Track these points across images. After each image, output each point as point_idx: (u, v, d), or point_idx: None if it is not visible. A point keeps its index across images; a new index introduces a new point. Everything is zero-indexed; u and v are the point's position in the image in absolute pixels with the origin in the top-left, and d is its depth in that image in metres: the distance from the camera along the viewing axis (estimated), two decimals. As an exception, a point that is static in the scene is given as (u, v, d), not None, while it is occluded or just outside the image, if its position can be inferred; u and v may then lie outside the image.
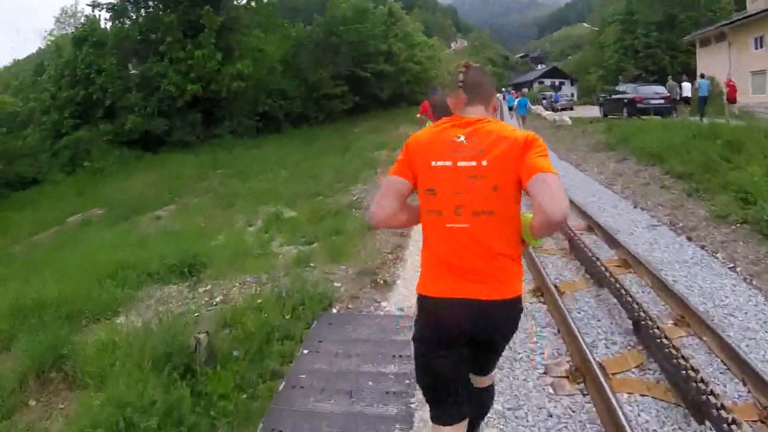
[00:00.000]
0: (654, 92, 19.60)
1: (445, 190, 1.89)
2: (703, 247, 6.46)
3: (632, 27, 44.64)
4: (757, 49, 22.27)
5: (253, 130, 29.15)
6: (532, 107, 33.76)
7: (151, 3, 28.54)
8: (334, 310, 5.04)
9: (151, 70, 26.57)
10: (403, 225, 2.12)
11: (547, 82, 78.10)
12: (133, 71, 28.32)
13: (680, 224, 7.35)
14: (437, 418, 2.09)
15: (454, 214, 1.87)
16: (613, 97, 21.37)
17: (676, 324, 4.56)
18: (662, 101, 19.08)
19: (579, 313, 4.76)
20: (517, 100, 25.31)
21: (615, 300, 4.84)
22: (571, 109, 38.20)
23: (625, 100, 19.67)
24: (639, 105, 18.91)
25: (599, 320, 4.64)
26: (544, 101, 46.84)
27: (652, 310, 4.69)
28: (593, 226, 7.28)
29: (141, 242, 9.76)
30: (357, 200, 10.33)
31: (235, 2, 29.21)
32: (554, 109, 36.51)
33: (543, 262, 5.95)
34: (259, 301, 4.84)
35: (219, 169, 21.13)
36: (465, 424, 2.11)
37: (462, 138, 1.90)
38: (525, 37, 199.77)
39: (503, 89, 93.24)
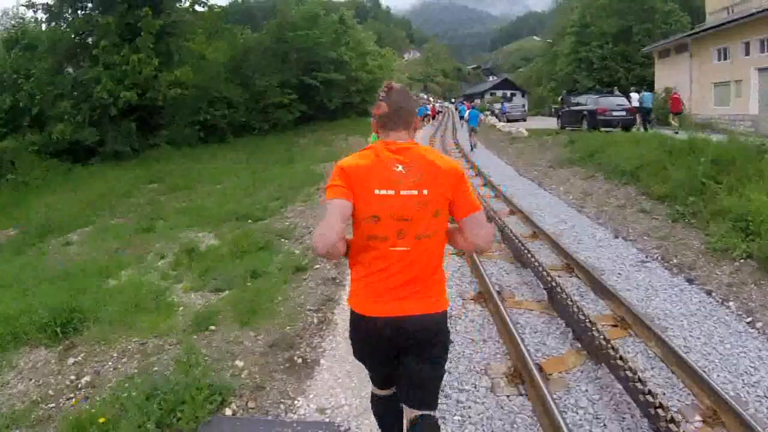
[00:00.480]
0: (616, 104, 18.71)
1: (389, 217, 1.95)
2: (709, 293, 5.24)
3: (586, 39, 44.67)
4: (720, 60, 21.83)
5: (193, 139, 27.08)
6: (486, 118, 33.44)
7: (89, 4, 26.09)
8: (228, 411, 3.45)
9: (84, 76, 24.21)
10: (339, 255, 2.01)
11: (499, 93, 79.12)
12: (68, 76, 25.77)
13: (674, 260, 6.12)
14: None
15: (397, 238, 1.96)
16: (572, 108, 20.48)
17: (705, 422, 3.24)
18: (625, 113, 18.24)
19: (576, 412, 3.33)
20: (468, 111, 25.05)
21: (620, 385, 3.49)
22: (524, 120, 37.71)
23: (585, 112, 18.72)
24: (601, 117, 17.99)
25: (604, 425, 3.22)
26: (496, 112, 46.67)
27: (672, 398, 3.46)
28: (572, 265, 5.94)
29: (29, 279, 7.91)
30: (290, 227, 8.75)
31: (177, 5, 26.93)
32: (508, 120, 35.95)
33: (519, 322, 4.54)
34: (101, 420, 3.19)
35: (152, 183, 19.11)
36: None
37: (401, 168, 1.98)
38: (477, 49, 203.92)
39: (453, 100, 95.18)
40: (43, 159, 23.19)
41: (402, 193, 1.94)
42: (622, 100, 19.18)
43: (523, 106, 39.99)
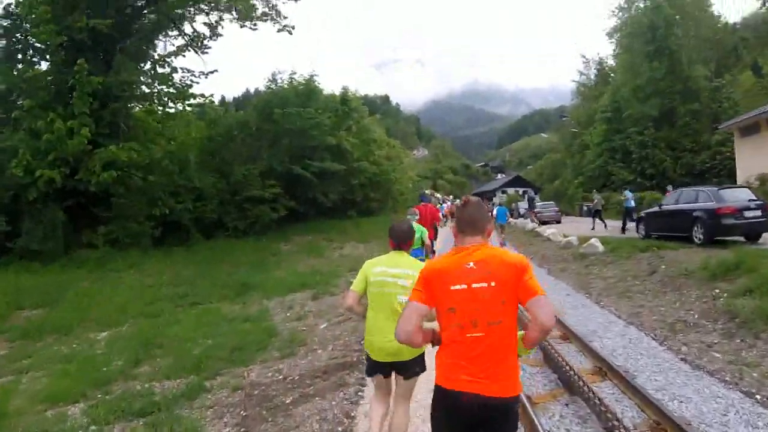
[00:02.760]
0: (748, 199, 12.19)
1: (464, 308, 2.32)
2: None
3: (621, 126, 39.46)
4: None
5: (146, 239, 20.75)
6: (512, 220, 27.59)
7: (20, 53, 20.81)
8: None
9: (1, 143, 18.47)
10: (418, 343, 2.45)
11: (511, 190, 77.66)
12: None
13: None
14: None
15: (471, 326, 2.31)
16: (666, 208, 14.00)
17: None
18: (761, 213, 11.78)
19: None
20: (495, 209, 23.94)
21: None
22: (558, 221, 31.48)
23: (698, 214, 12.19)
24: (727, 221, 11.56)
25: None
26: (522, 212, 40.89)
27: None
28: None
29: None
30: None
31: (137, 65, 21.35)
32: (541, 222, 29.75)
33: None
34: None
35: (35, 308, 12.45)
36: None
37: (472, 264, 2.35)
38: (484, 147, 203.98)
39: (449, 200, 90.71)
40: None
41: (473, 286, 2.32)
42: (749, 193, 12.68)
43: (555, 205, 33.86)
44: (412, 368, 3.48)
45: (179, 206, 22.17)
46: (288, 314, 9.59)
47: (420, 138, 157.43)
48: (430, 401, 2.42)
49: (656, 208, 14.68)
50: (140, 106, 19.17)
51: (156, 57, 22.22)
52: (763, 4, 38.30)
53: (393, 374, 3.59)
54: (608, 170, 39.70)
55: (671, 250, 11.38)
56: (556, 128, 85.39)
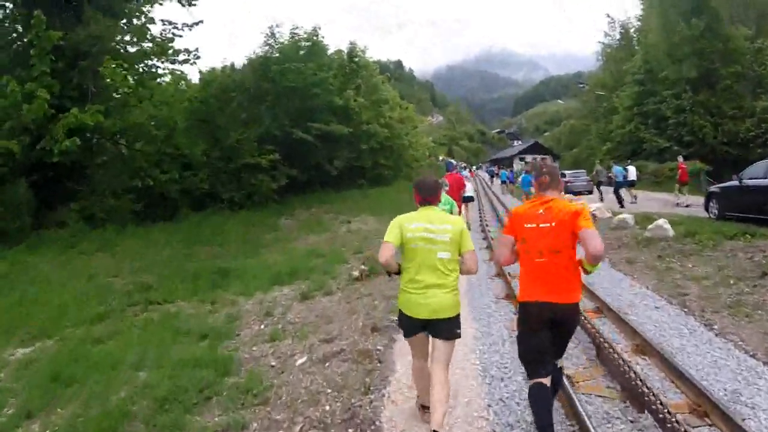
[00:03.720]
0: None
1: (532, 241, 3.29)
2: None
3: (653, 88, 35.96)
4: None
5: (125, 215, 18.28)
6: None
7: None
8: None
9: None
10: (506, 263, 3.55)
11: (529, 158, 74.05)
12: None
13: None
14: (534, 374, 3.31)
15: (538, 254, 3.25)
16: (753, 183, 10.90)
17: None
18: None
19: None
20: (521, 177, 23.75)
21: None
22: (590, 192, 28.52)
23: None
24: None
25: None
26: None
27: None
28: None
29: None
30: None
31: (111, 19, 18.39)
32: (570, 193, 26.75)
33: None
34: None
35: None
36: (549, 379, 3.31)
37: (542, 210, 3.31)
38: (500, 114, 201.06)
39: (480, 165, 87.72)
40: None
41: (541, 226, 3.27)
42: None
43: (586, 175, 30.76)
44: (451, 328, 3.46)
45: (164, 177, 19.64)
46: (262, 327, 7.04)
47: (435, 104, 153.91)
48: None
49: (735, 183, 11.74)
50: (113, 65, 16.42)
51: (132, 7, 19.32)
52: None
53: (429, 338, 3.53)
54: (640, 136, 36.44)
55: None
56: (573, 94, 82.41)
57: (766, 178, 10.61)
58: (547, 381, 3.26)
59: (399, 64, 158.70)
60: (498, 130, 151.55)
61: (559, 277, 3.21)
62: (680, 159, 19.53)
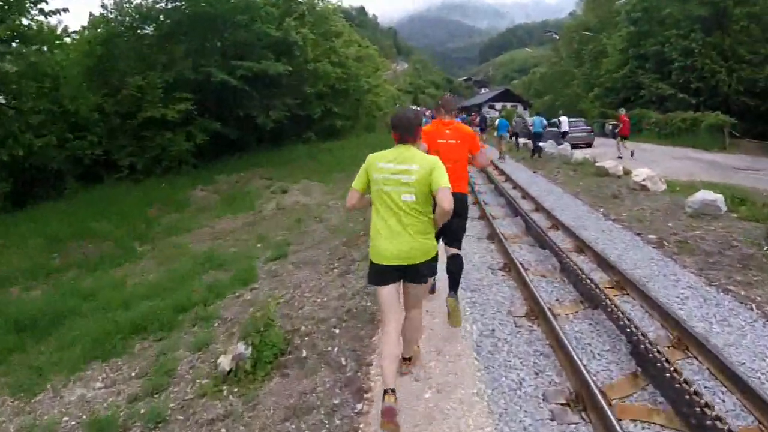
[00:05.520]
0: None
1: (443, 152, 4.05)
2: None
3: (652, 28, 30.89)
4: None
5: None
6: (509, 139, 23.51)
7: None
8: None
9: None
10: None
11: (498, 105, 71.87)
12: None
13: None
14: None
15: (446, 161, 3.38)
16: None
17: None
18: None
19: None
20: (497, 121, 24.26)
21: None
22: (591, 144, 23.72)
23: None
24: None
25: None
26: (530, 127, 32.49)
27: None
28: None
29: None
30: None
31: None
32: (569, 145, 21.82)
33: None
34: None
35: None
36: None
37: (448, 131, 4.43)
38: (466, 62, 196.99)
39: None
40: None
41: (449, 141, 4.38)
42: None
43: (586, 124, 25.79)
44: (422, 273, 3.19)
45: (39, 141, 13.96)
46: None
47: (399, 53, 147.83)
48: None
49: None
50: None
51: None
52: None
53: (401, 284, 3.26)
54: (637, 81, 31.55)
55: None
56: (540, 42, 79.53)
57: None
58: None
59: (362, 10, 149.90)
60: (465, 77, 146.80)
61: (458, 177, 4.30)
62: (622, 111, 19.50)
